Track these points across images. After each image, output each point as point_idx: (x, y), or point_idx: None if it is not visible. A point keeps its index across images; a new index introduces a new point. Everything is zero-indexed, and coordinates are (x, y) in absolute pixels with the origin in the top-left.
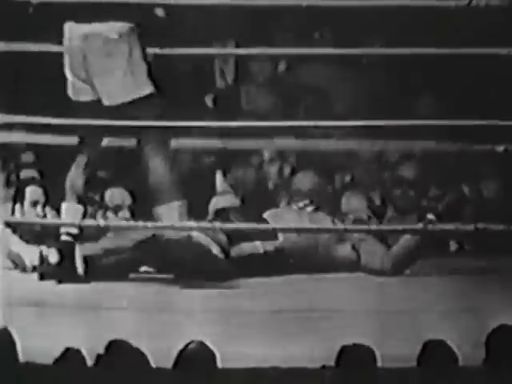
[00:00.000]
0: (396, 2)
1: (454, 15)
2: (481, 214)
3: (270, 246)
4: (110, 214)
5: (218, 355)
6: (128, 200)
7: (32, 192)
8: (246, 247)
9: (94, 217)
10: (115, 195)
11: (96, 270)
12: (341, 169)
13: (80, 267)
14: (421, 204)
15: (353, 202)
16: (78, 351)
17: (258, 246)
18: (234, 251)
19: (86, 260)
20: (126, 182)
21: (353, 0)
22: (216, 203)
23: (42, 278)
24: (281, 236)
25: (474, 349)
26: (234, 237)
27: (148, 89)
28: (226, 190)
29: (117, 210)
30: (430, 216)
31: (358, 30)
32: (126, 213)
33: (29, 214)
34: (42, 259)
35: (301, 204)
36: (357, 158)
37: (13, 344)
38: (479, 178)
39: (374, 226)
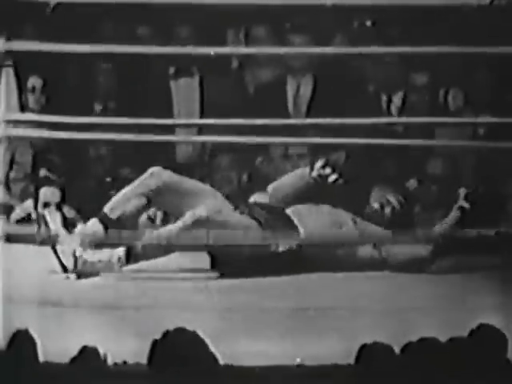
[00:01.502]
0: (416, 2)
1: (476, 14)
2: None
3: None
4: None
5: (238, 352)
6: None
7: (45, 193)
8: None
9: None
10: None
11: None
12: (369, 164)
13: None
14: (448, 201)
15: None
16: (95, 350)
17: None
18: None
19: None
20: None
21: None
22: (255, 198)
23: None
24: (301, 231)
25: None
26: None
27: None
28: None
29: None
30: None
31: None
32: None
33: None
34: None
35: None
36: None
37: (33, 344)
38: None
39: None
